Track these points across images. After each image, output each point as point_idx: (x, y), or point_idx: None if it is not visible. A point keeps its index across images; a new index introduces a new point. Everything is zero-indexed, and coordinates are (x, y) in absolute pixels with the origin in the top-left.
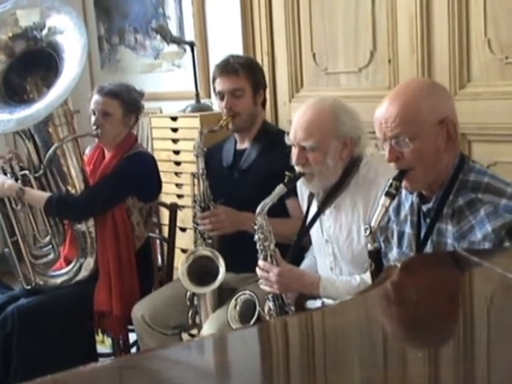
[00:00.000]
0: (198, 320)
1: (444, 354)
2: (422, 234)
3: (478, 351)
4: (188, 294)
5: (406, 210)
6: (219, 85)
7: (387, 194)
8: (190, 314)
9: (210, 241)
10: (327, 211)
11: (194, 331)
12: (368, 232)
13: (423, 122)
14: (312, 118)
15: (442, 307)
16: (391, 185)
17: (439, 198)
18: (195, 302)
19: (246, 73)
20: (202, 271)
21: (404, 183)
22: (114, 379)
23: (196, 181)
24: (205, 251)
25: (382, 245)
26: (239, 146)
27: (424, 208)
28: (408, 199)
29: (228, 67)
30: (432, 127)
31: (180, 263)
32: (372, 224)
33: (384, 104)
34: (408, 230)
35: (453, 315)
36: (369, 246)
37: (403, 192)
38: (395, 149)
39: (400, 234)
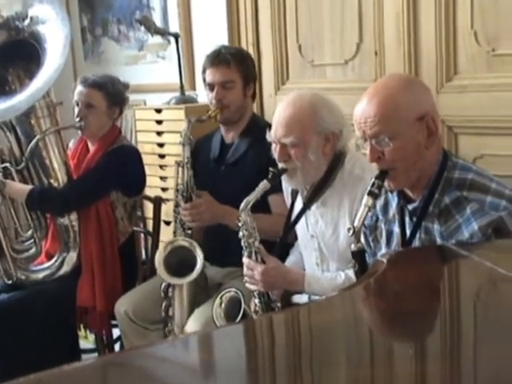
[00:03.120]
0: (170, 312)
1: (431, 350)
2: (408, 233)
3: (465, 347)
4: (163, 285)
5: (393, 208)
6: (209, 76)
7: (370, 193)
8: (163, 307)
9: (189, 231)
10: (313, 207)
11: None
12: (351, 232)
13: (402, 120)
14: (291, 114)
15: (429, 302)
16: (373, 184)
17: (425, 197)
18: (169, 294)
19: (237, 64)
20: (180, 263)
21: (386, 182)
22: (98, 377)
23: (180, 169)
24: (183, 242)
25: (372, 244)
26: (226, 139)
27: (410, 207)
28: (395, 198)
29: (219, 58)
30: (411, 124)
31: (157, 253)
32: (355, 224)
33: (362, 102)
34: (396, 228)
35: (440, 310)
36: (352, 246)
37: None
38: (376, 148)
39: (388, 233)
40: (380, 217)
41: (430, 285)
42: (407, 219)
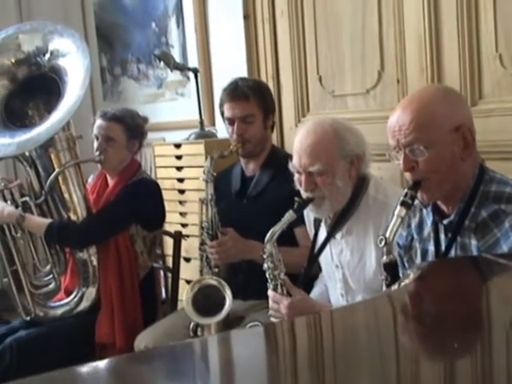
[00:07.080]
0: None
1: (460, 364)
2: (443, 249)
3: (498, 363)
4: (191, 324)
5: (428, 227)
6: (228, 110)
7: (402, 203)
8: None
9: (216, 270)
10: (338, 235)
11: None
12: (383, 243)
13: (438, 129)
14: (315, 141)
15: (461, 314)
16: (406, 194)
17: (461, 211)
18: (199, 334)
19: (256, 98)
20: (207, 301)
21: (419, 194)
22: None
23: (204, 207)
24: (211, 281)
25: (406, 265)
26: (247, 172)
27: (445, 222)
28: (430, 216)
29: (237, 92)
30: (448, 134)
31: (185, 292)
32: (387, 235)
33: (397, 111)
34: (431, 247)
35: (472, 323)
36: (384, 257)
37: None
38: (410, 157)
39: (423, 252)
40: (415, 236)
41: (464, 293)
42: (442, 236)
